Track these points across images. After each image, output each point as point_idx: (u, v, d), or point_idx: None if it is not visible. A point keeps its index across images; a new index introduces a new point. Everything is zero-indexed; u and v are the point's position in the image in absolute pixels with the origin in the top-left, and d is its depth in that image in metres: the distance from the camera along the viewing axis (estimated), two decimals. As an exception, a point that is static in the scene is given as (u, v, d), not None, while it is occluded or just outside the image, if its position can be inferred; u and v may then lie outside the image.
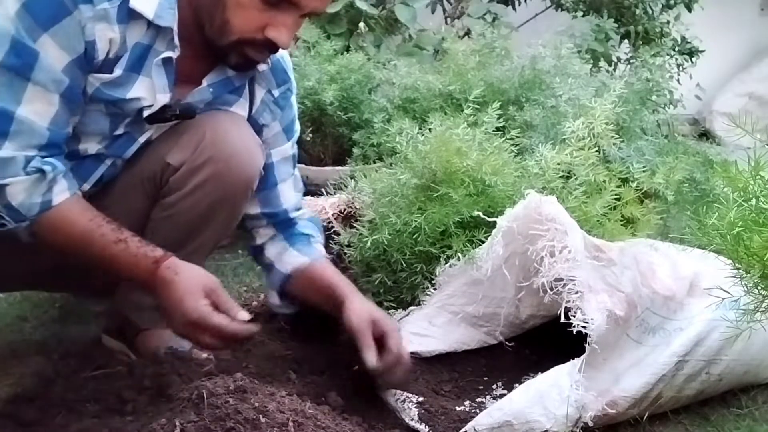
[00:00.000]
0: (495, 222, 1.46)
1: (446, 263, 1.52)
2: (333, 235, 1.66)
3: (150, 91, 1.31)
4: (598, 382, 1.32)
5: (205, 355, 1.55)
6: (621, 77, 2.49)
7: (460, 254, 1.50)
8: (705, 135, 4.91)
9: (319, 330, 1.71)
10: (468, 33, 3.22)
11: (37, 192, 1.23)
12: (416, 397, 1.38)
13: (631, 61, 3.51)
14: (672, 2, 3.87)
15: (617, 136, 1.73)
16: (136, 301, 1.51)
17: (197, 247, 1.45)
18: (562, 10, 3.84)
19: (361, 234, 1.59)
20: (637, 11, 3.73)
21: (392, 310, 1.56)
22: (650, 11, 3.79)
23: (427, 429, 1.32)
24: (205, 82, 1.38)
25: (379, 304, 1.57)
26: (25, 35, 1.17)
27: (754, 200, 0.99)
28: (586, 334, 1.28)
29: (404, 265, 1.56)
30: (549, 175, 1.62)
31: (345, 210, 1.72)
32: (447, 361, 1.55)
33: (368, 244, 1.55)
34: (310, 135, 2.56)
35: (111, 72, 1.27)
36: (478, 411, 1.37)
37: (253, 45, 1.29)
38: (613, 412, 1.33)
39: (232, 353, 1.57)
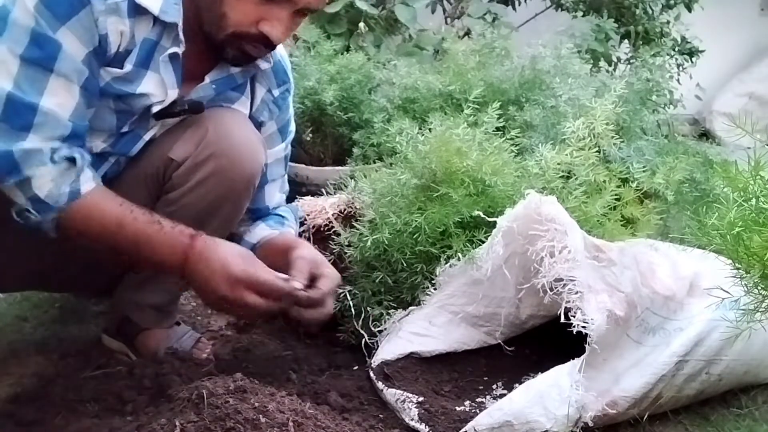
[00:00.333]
0: (495, 222, 1.46)
1: (446, 263, 1.52)
2: (333, 235, 1.66)
3: (159, 86, 1.32)
4: (598, 382, 1.32)
5: (204, 355, 1.55)
6: (621, 77, 2.49)
7: (460, 254, 1.50)
8: (705, 135, 4.90)
9: (319, 330, 1.72)
10: (468, 33, 3.22)
11: (65, 182, 1.23)
12: (416, 397, 1.38)
13: (631, 61, 3.51)
14: (672, 2, 3.87)
15: (617, 136, 1.73)
16: (137, 300, 1.51)
17: None
18: (562, 10, 3.84)
19: (361, 234, 1.59)
20: (637, 11, 3.72)
21: (392, 310, 1.56)
22: (650, 11, 3.78)
23: (427, 429, 1.32)
24: (207, 79, 1.39)
25: (379, 303, 1.58)
26: (46, 27, 1.17)
27: (754, 200, 0.99)
28: (586, 334, 1.28)
29: (404, 264, 1.56)
30: (549, 175, 1.62)
31: (345, 210, 1.71)
32: (447, 361, 1.55)
33: (368, 243, 1.55)
34: (310, 135, 2.56)
35: (122, 67, 1.28)
36: (478, 411, 1.37)
37: (248, 39, 1.30)
38: (613, 412, 1.33)
39: (233, 353, 1.58)
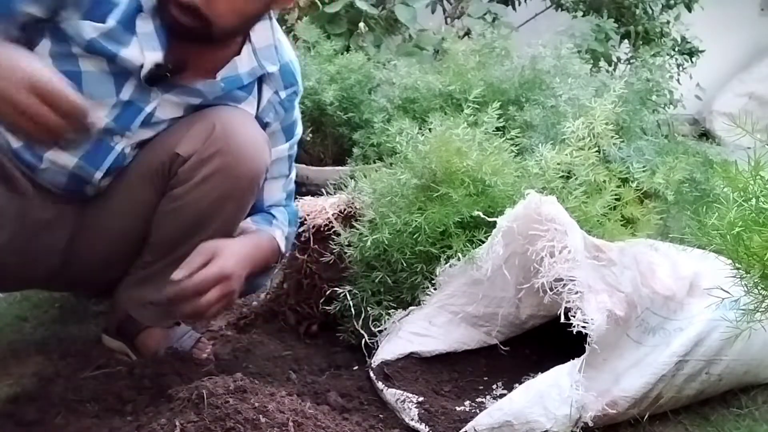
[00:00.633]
0: (495, 222, 1.46)
1: (446, 263, 1.52)
2: (333, 235, 1.66)
3: (142, 48, 1.31)
4: (598, 382, 1.32)
5: (205, 355, 1.55)
6: (621, 77, 2.48)
7: (460, 254, 1.50)
8: (705, 135, 4.90)
9: (319, 330, 1.72)
10: (468, 33, 3.22)
11: None
12: (416, 397, 1.38)
13: (631, 61, 3.51)
14: (672, 2, 3.87)
15: (617, 136, 1.73)
16: (138, 297, 1.51)
17: (204, 240, 1.45)
18: (562, 10, 3.84)
19: (361, 234, 1.59)
20: (637, 11, 3.72)
21: (392, 310, 1.56)
22: (650, 11, 3.78)
23: (427, 429, 1.32)
24: (218, 77, 1.40)
25: (379, 303, 1.58)
26: None
27: (754, 200, 0.99)
28: (586, 334, 1.28)
29: (404, 264, 1.56)
30: (549, 175, 1.62)
31: (345, 210, 1.71)
32: (447, 361, 1.55)
33: (368, 243, 1.55)
34: (310, 135, 2.56)
35: (104, 21, 1.28)
36: (478, 411, 1.37)
37: (174, 4, 1.27)
38: (613, 412, 1.33)
39: (233, 353, 1.58)
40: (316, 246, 1.68)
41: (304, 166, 2.41)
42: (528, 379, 1.42)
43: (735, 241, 0.97)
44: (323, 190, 1.82)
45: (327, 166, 2.54)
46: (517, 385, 1.46)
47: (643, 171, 1.77)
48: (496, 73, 2.26)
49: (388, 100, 2.38)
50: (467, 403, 1.43)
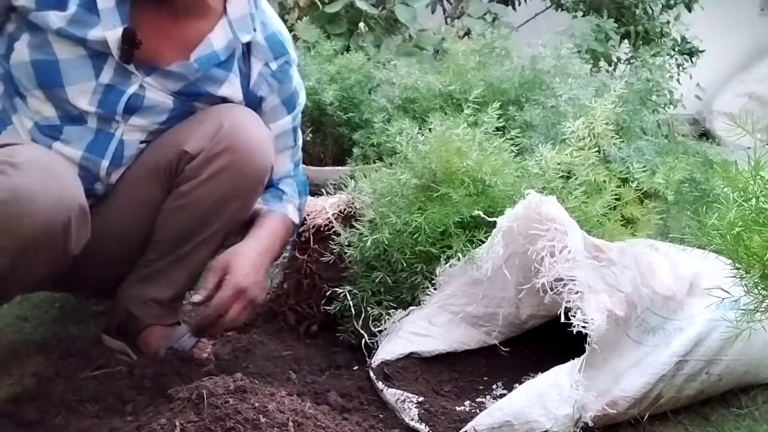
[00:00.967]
0: (495, 222, 1.46)
1: (446, 263, 1.52)
2: (333, 235, 1.66)
3: (106, 25, 1.32)
4: (598, 382, 1.32)
5: (205, 355, 1.55)
6: (621, 77, 2.48)
7: (460, 254, 1.50)
8: (705, 135, 4.90)
9: (319, 330, 1.72)
10: (468, 33, 3.22)
11: None
12: (416, 397, 1.38)
13: (631, 61, 3.51)
14: (672, 2, 3.87)
15: (617, 136, 1.73)
16: (141, 294, 1.51)
17: (207, 238, 1.46)
18: (562, 10, 3.84)
19: (361, 234, 1.59)
20: (637, 11, 3.73)
21: (392, 310, 1.56)
22: (650, 11, 3.78)
23: (427, 429, 1.32)
24: (192, 58, 1.39)
25: (379, 303, 1.58)
26: None
27: (754, 200, 0.99)
28: (586, 334, 1.28)
29: (404, 264, 1.56)
30: (549, 175, 1.62)
31: (345, 210, 1.71)
32: (447, 361, 1.54)
33: (368, 243, 1.55)
34: (310, 135, 2.56)
35: (65, 9, 1.29)
36: (478, 411, 1.37)
37: None
38: (613, 412, 1.33)
39: (233, 353, 1.58)
40: (316, 246, 1.68)
41: (304, 166, 2.40)
42: (528, 379, 1.42)
43: (735, 241, 0.97)
44: (323, 190, 1.82)
45: (327, 166, 2.54)
46: (517, 385, 1.46)
47: (643, 171, 1.77)
48: (496, 73, 2.26)
49: (388, 100, 2.38)
50: (467, 403, 1.43)
